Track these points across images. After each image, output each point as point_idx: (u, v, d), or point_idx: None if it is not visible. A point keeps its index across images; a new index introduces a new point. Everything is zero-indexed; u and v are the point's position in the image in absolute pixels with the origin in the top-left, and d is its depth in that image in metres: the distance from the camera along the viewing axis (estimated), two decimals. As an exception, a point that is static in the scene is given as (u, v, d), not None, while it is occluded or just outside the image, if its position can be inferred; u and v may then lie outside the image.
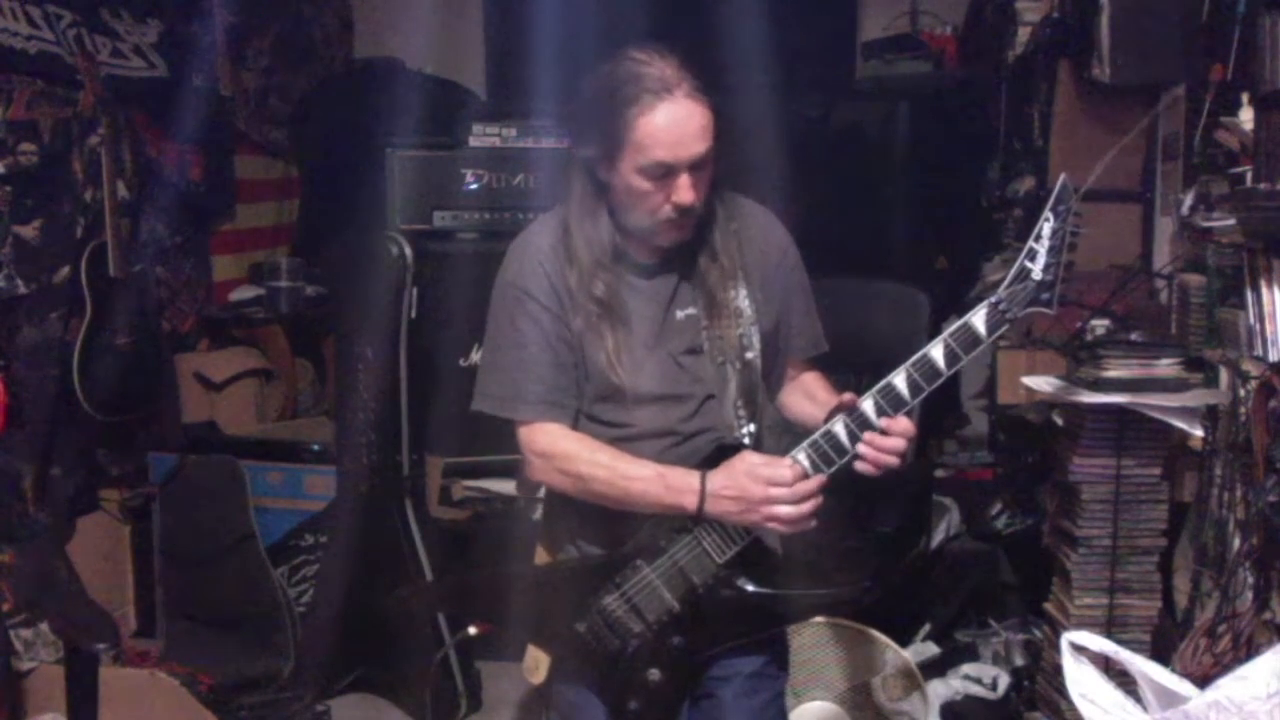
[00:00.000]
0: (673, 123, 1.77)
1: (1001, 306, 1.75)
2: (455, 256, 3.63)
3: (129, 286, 3.51)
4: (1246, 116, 2.52)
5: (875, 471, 1.79)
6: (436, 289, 3.47)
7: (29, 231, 3.36)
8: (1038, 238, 1.75)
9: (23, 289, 3.32)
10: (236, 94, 4.47)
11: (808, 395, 2.04)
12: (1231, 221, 2.43)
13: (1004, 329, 1.77)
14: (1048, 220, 1.75)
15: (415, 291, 3.35)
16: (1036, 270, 1.75)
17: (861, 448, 1.77)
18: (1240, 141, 2.54)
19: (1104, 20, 2.97)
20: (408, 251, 3.35)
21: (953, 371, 1.77)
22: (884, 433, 1.77)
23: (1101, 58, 3.00)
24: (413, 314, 3.35)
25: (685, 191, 1.80)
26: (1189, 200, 2.79)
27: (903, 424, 1.78)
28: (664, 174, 1.79)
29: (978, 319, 1.76)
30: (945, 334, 1.76)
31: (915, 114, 4.30)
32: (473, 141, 3.67)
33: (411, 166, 3.64)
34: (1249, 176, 2.46)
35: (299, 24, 4.92)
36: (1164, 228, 3.17)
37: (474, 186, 3.66)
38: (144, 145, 3.91)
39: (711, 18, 3.59)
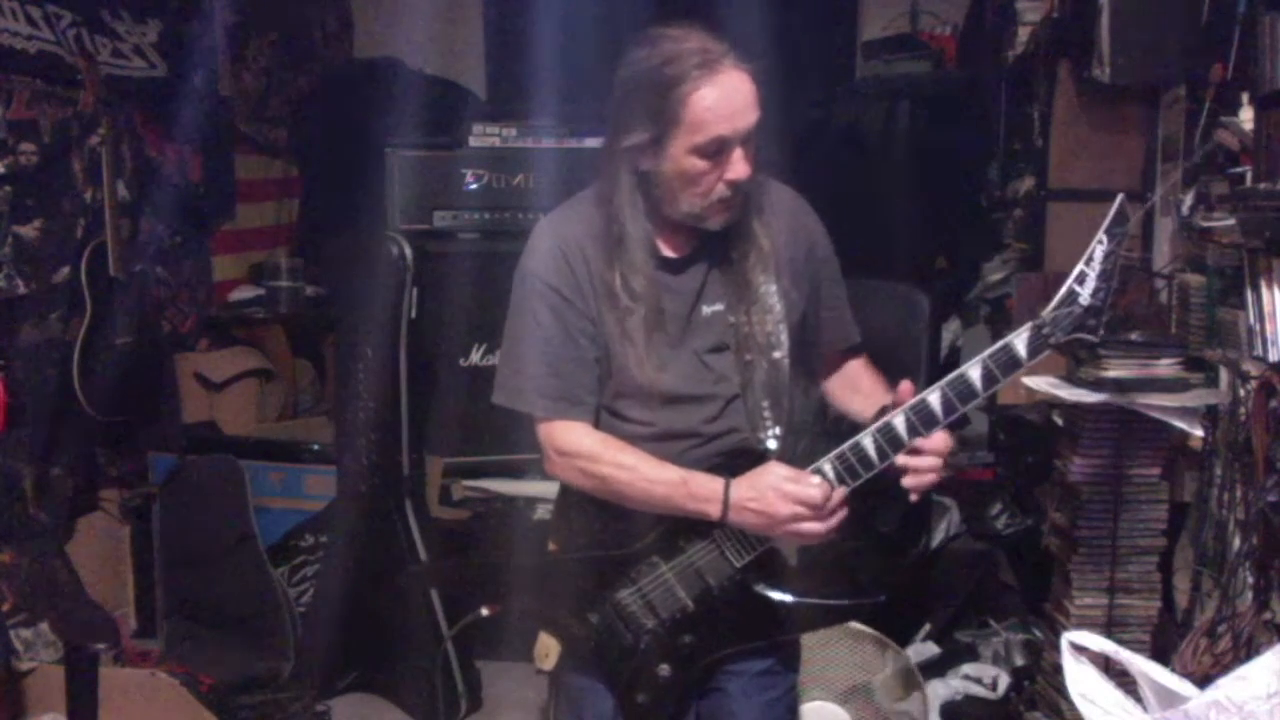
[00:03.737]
0: (727, 95, 1.73)
1: (1045, 330, 1.69)
2: (455, 256, 3.64)
3: (129, 286, 3.51)
4: (1246, 116, 2.52)
5: (922, 487, 1.75)
6: (436, 289, 3.48)
7: (29, 231, 3.36)
8: (1089, 260, 1.66)
9: (23, 289, 3.32)
10: (236, 94, 4.47)
11: (852, 386, 2.02)
12: (1231, 221, 2.43)
13: (1046, 353, 1.70)
14: (1101, 243, 1.65)
15: (415, 291, 3.35)
16: (1084, 295, 1.66)
17: (906, 478, 1.74)
18: (1240, 141, 2.54)
19: (1104, 20, 2.97)
20: (408, 251, 3.35)
21: (990, 393, 1.72)
22: (917, 451, 1.73)
23: (1101, 58, 3.00)
24: (413, 314, 3.35)
25: (740, 165, 1.77)
26: (1189, 200, 2.79)
27: (936, 441, 1.73)
28: (719, 150, 1.75)
29: (1019, 341, 1.70)
30: (984, 354, 1.71)
31: (915, 114, 4.29)
32: (473, 141, 3.66)
33: (411, 166, 3.63)
34: (1249, 176, 2.46)
35: (299, 24, 4.92)
36: (1164, 228, 3.16)
37: (474, 186, 3.66)
38: (144, 145, 3.91)
39: (711, 17, 3.58)
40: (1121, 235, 1.67)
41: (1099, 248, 1.66)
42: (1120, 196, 1.69)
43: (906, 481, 1.75)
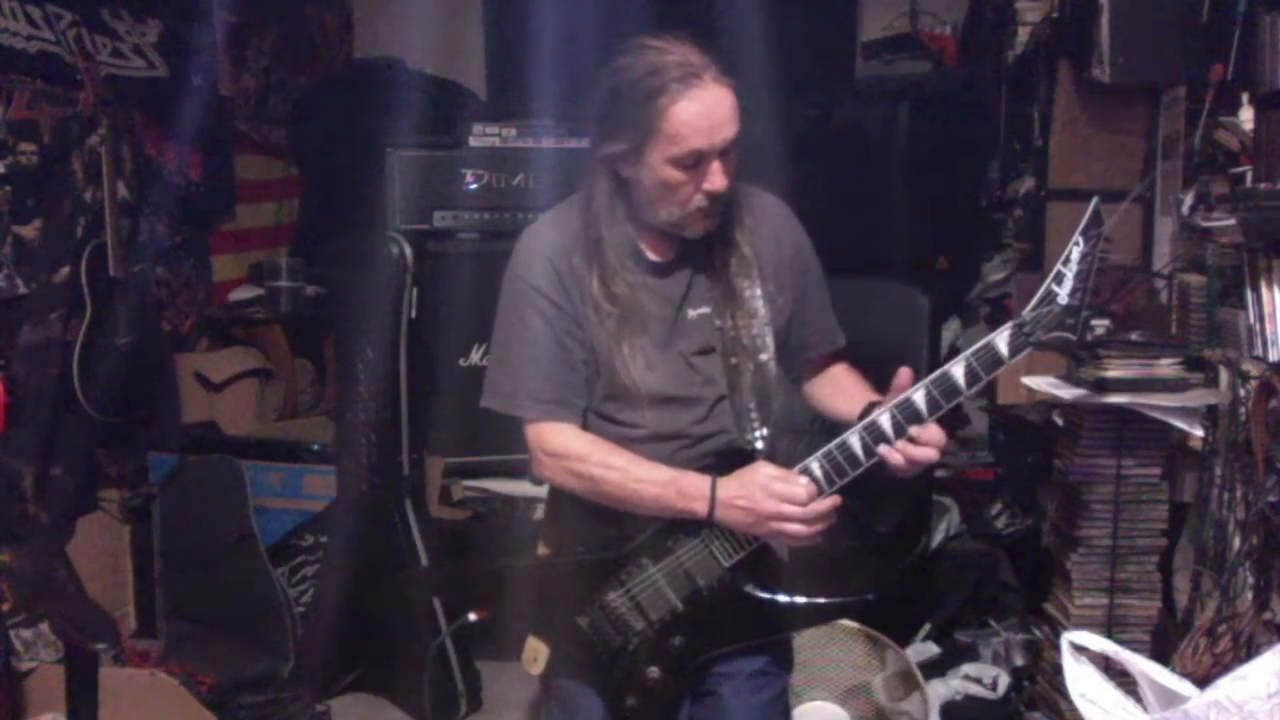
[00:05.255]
0: (705, 109, 1.75)
1: (1026, 329, 1.73)
2: (455, 256, 3.64)
3: (129, 286, 3.51)
4: (1246, 116, 2.52)
5: (908, 471, 1.78)
6: (436, 289, 3.48)
7: (29, 231, 3.36)
8: (1066, 261, 1.71)
9: (23, 289, 3.32)
10: (236, 94, 4.47)
11: (837, 389, 2.03)
12: (1231, 221, 2.43)
13: (1026, 351, 1.74)
14: (1077, 244, 1.71)
15: (415, 291, 3.35)
16: (1063, 294, 1.72)
17: (896, 459, 1.76)
18: (1240, 141, 2.54)
19: (1104, 20, 2.97)
20: (408, 251, 3.35)
21: (973, 391, 1.76)
22: (913, 441, 1.75)
23: (1101, 58, 3.00)
24: (413, 314, 3.35)
25: (718, 178, 1.78)
26: (1189, 200, 2.79)
27: (931, 434, 1.76)
28: (696, 162, 1.77)
29: (1001, 340, 1.74)
30: (967, 353, 1.74)
31: (915, 114, 4.29)
32: (473, 141, 3.67)
33: (411, 166, 3.64)
34: (1249, 176, 2.46)
35: (299, 24, 4.92)
36: (1164, 228, 3.16)
37: (474, 186, 3.66)
38: (144, 145, 3.91)
39: (711, 17, 3.59)
40: (1097, 237, 1.72)
41: (1075, 249, 1.72)
42: (1095, 200, 1.73)
43: (893, 459, 1.76)
